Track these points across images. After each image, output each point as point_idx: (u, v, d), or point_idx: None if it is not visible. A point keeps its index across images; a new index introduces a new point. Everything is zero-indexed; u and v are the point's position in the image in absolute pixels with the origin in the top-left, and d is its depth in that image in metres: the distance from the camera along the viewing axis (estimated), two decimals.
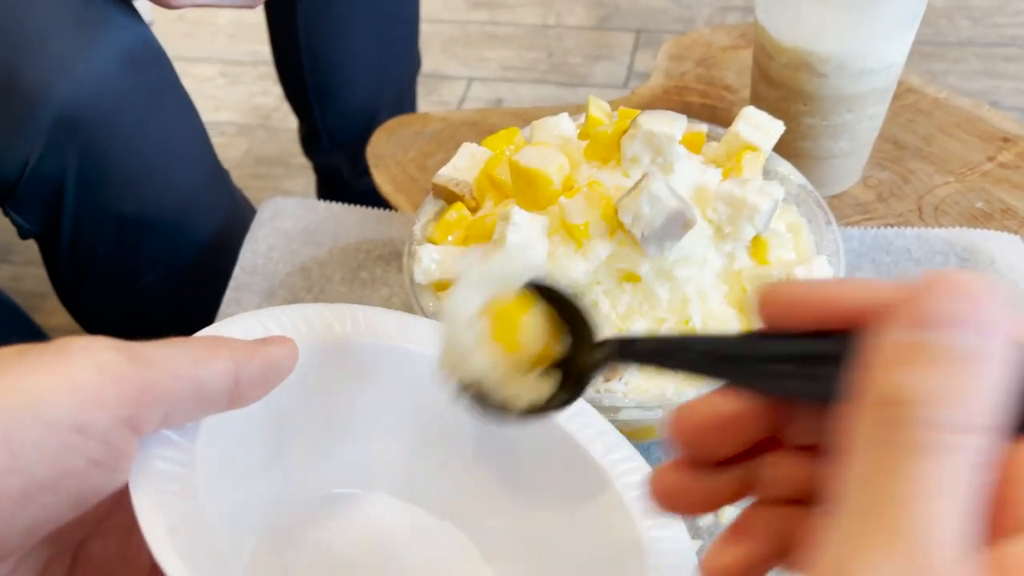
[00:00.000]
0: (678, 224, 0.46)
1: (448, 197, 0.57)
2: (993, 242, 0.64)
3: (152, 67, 0.67)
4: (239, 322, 0.36)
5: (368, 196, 0.76)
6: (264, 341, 0.33)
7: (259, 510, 0.39)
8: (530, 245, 0.49)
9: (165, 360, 0.28)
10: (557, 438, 0.42)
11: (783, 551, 0.25)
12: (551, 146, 0.53)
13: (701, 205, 0.50)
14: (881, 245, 0.66)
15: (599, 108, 0.56)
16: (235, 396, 0.30)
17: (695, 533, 0.50)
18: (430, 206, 0.58)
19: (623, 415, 0.45)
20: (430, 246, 0.52)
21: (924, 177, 0.74)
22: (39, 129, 0.59)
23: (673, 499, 0.26)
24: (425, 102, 1.87)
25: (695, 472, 0.26)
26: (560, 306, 0.31)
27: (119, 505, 0.30)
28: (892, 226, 0.70)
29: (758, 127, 0.55)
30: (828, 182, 0.72)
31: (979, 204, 0.71)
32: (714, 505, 0.26)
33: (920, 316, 0.19)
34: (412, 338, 0.43)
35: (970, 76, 1.78)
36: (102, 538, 0.31)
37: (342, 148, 1.21)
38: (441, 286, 0.52)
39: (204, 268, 0.75)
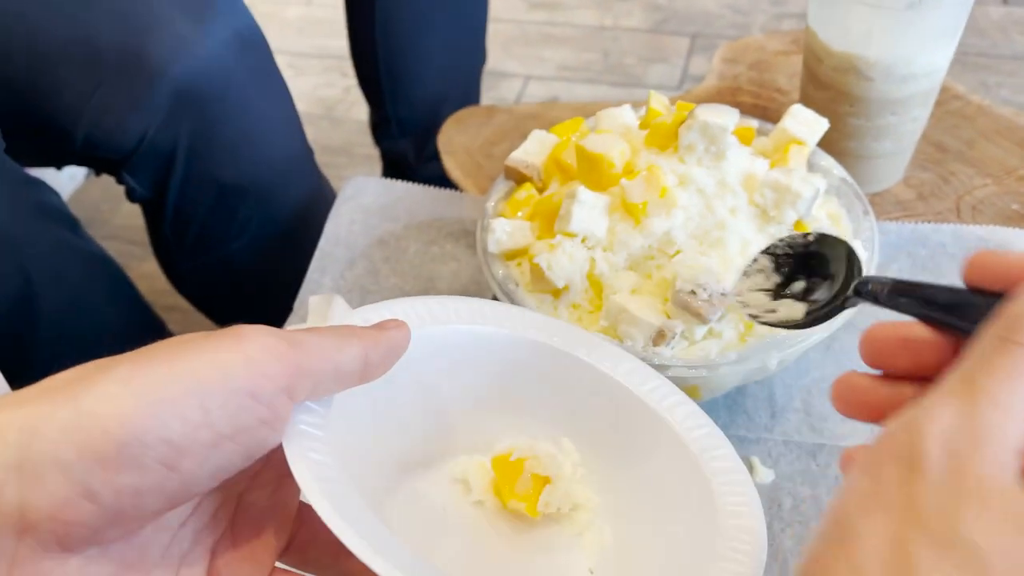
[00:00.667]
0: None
1: (518, 178, 0.63)
2: None
3: (256, 50, 0.75)
4: (368, 311, 0.43)
5: (431, 181, 0.83)
6: (383, 326, 0.38)
7: (381, 465, 0.45)
8: (593, 220, 0.55)
9: (314, 345, 0.34)
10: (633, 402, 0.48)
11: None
12: (613, 133, 0.59)
13: (749, 190, 0.56)
14: (918, 239, 0.71)
15: (659, 102, 0.61)
16: (365, 373, 0.36)
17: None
18: (501, 186, 0.64)
19: (671, 372, 0.51)
20: (502, 220, 0.58)
21: (964, 179, 0.78)
22: (159, 104, 0.67)
23: (851, 400, 0.33)
24: (484, 98, 1.94)
25: (874, 380, 0.32)
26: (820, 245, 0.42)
27: (269, 463, 0.37)
28: (930, 223, 0.74)
29: (805, 123, 0.60)
30: (871, 180, 0.77)
31: (1015, 206, 0.75)
32: (882, 413, 0.31)
33: None
34: (507, 324, 0.49)
35: (1022, 90, 1.79)
36: (257, 490, 0.38)
37: (409, 135, 1.27)
38: (511, 255, 0.58)
39: (288, 238, 0.83)
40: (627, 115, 0.63)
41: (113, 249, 0.84)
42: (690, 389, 0.53)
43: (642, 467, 0.48)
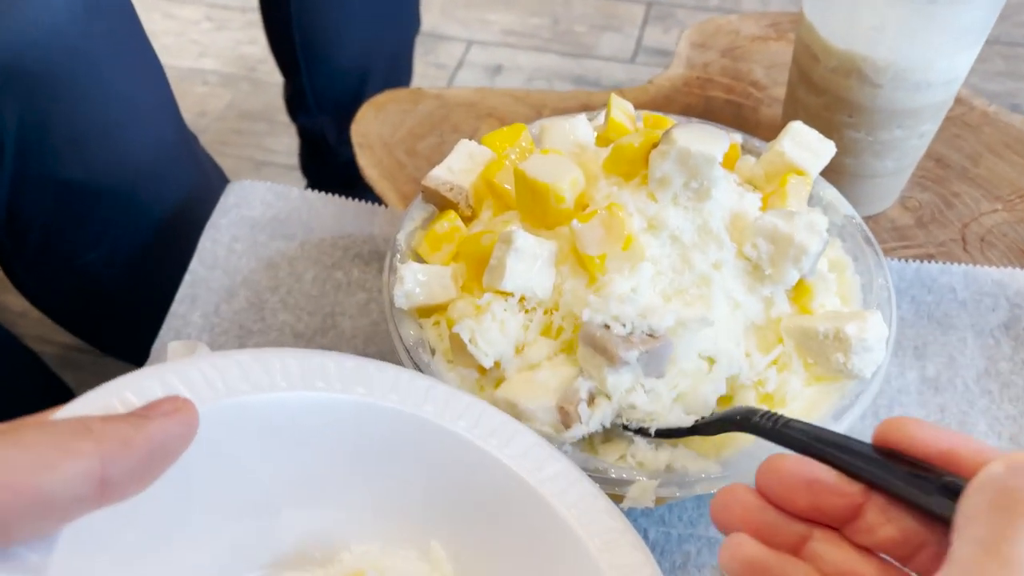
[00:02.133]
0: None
1: (440, 203, 0.49)
2: None
3: (112, 14, 0.58)
4: (128, 384, 0.28)
5: (354, 166, 0.68)
6: (149, 414, 0.26)
7: None
8: (534, 275, 0.41)
9: (11, 462, 0.22)
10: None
11: None
12: (563, 154, 0.45)
13: (738, 239, 0.43)
14: (923, 281, 0.59)
15: (622, 111, 0.48)
16: (105, 495, 0.24)
17: None
18: (418, 211, 0.50)
19: (628, 488, 0.38)
20: (414, 265, 0.44)
21: (970, 202, 0.67)
22: None
23: (732, 512, 0.30)
24: (420, 63, 1.77)
25: (761, 500, 0.30)
26: None
27: None
28: (932, 256, 0.62)
29: (807, 147, 0.47)
30: (864, 202, 0.65)
31: None
32: (765, 540, 0.30)
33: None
34: (360, 389, 0.36)
35: (992, 76, 1.70)
36: None
37: (329, 111, 1.12)
38: (425, 312, 0.45)
39: (160, 250, 0.67)
40: (581, 129, 0.49)
41: None
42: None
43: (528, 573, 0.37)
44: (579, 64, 1.79)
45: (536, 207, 0.44)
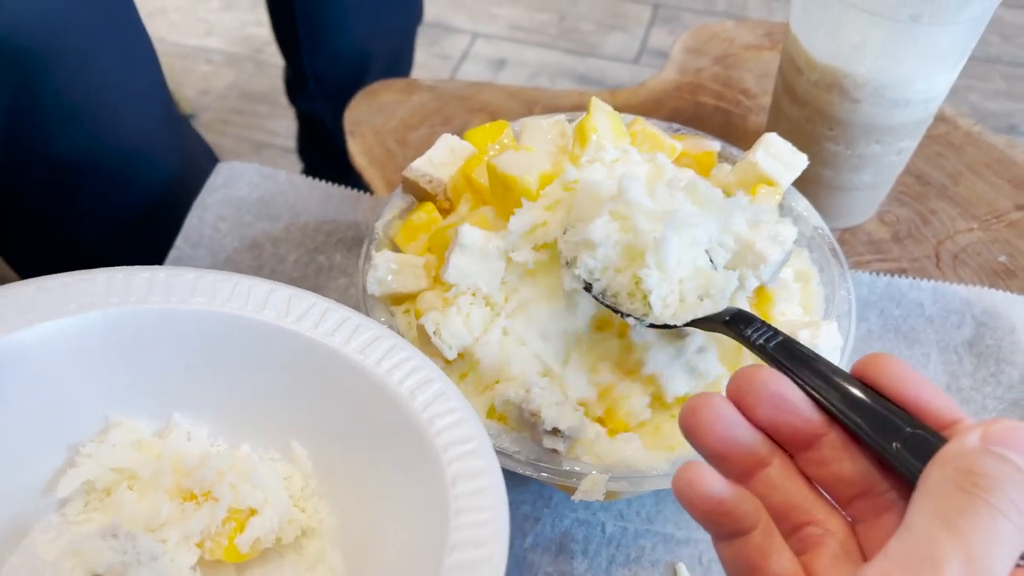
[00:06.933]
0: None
1: (419, 194, 0.50)
2: (1017, 308, 0.58)
3: None
4: None
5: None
6: None
7: None
8: (481, 270, 0.42)
9: None
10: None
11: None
12: (535, 151, 0.46)
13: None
14: (892, 295, 0.60)
15: (603, 113, 0.48)
16: None
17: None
18: (398, 201, 0.51)
19: (582, 479, 0.39)
20: (388, 253, 0.45)
21: (946, 220, 0.68)
22: None
23: (704, 419, 0.30)
24: (424, 53, 1.78)
25: (734, 416, 0.30)
26: None
27: None
28: (905, 271, 0.64)
29: (779, 158, 0.48)
30: (842, 215, 0.66)
31: (1002, 258, 0.65)
32: (725, 455, 0.30)
33: (1001, 436, 0.26)
34: (199, 299, 0.40)
35: (992, 96, 1.70)
36: None
37: (328, 96, 1.12)
38: (397, 300, 0.46)
39: (148, 226, 0.68)
40: (559, 129, 0.50)
41: None
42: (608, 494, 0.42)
43: (380, 466, 0.40)
44: (583, 62, 1.80)
45: (507, 200, 0.45)
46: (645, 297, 0.39)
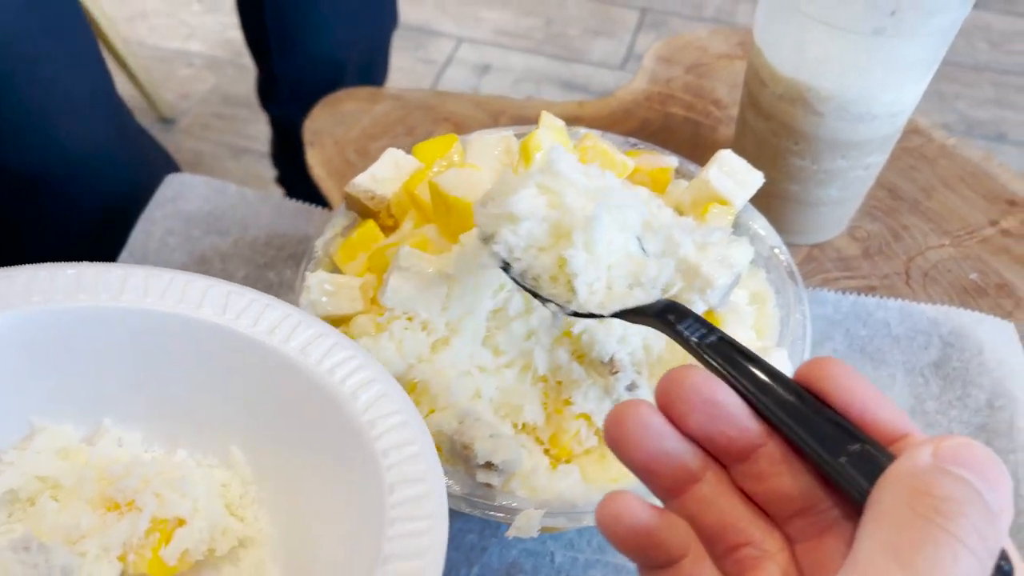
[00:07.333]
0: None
1: (362, 211, 0.48)
2: (984, 328, 0.56)
3: (52, 8, 0.57)
4: None
5: None
6: None
7: None
8: (421, 294, 0.40)
9: None
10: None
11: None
12: (480, 169, 0.45)
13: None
14: (859, 315, 0.58)
15: (548, 130, 0.47)
16: None
17: None
18: (341, 218, 0.49)
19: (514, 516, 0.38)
20: (323, 274, 0.44)
21: (918, 235, 0.66)
22: None
23: (631, 432, 0.27)
24: (409, 58, 1.76)
25: (664, 427, 0.27)
26: None
27: None
28: (875, 289, 0.62)
29: (733, 175, 0.47)
30: (810, 230, 0.64)
31: (973, 276, 0.63)
32: (654, 471, 0.28)
33: (954, 454, 0.23)
34: (129, 296, 0.38)
35: (981, 103, 1.69)
36: None
37: (301, 102, 1.11)
38: (334, 322, 0.44)
39: (99, 240, 0.66)
40: (504, 146, 0.48)
41: None
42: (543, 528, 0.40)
43: (321, 471, 0.38)
44: (568, 68, 1.78)
45: (451, 219, 0.43)
46: (569, 281, 0.36)
